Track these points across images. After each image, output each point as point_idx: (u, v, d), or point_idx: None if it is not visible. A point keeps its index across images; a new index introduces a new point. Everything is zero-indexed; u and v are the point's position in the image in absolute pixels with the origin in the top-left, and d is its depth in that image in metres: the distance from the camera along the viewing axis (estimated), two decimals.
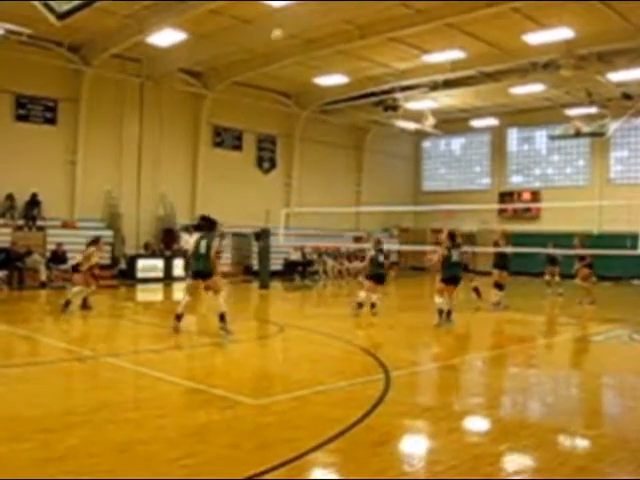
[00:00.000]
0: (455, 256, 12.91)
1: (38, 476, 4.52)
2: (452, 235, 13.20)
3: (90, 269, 13.99)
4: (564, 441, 5.74)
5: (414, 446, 5.66)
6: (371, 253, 14.50)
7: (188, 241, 22.20)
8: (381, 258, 14.50)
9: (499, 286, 16.08)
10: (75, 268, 14.52)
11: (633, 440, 5.73)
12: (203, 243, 10.98)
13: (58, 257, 20.29)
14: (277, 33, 16.32)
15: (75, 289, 13.96)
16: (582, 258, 17.86)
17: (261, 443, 5.34)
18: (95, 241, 14.43)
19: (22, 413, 6.05)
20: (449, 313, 12.88)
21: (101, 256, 15.45)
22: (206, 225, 11.37)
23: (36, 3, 8.88)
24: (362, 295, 14.22)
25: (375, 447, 5.30)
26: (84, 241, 21.91)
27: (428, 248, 31.17)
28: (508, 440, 5.62)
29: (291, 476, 4.64)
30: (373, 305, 14.22)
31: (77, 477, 4.52)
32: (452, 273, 12.88)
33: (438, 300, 12.88)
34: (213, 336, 10.67)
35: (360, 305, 14.06)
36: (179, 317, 10.99)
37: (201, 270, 10.99)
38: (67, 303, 13.45)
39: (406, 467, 5.03)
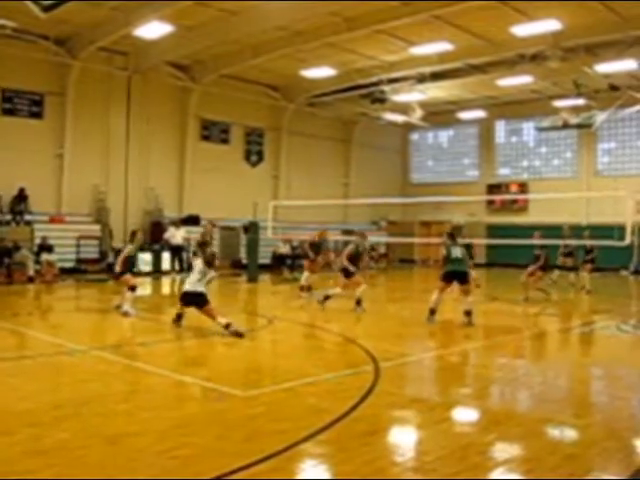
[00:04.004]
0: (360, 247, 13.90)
1: (27, 469, 4.49)
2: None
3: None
4: (553, 430, 5.77)
5: (403, 436, 5.68)
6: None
7: (175, 235, 22.43)
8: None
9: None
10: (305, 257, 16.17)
11: (622, 429, 5.77)
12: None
13: (45, 247, 20.17)
14: None
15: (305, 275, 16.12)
16: (589, 251, 18.06)
17: (250, 434, 5.35)
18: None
19: (11, 407, 6.02)
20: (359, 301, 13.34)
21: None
22: (450, 235, 12.28)
23: None
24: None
25: (365, 437, 5.31)
26: (71, 235, 22.24)
27: (416, 240, 31.45)
28: (497, 430, 5.65)
29: (281, 467, 4.64)
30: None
31: (67, 470, 4.51)
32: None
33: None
34: (202, 329, 10.65)
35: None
36: (433, 311, 11.81)
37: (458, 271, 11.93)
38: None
39: (396, 457, 5.06)
